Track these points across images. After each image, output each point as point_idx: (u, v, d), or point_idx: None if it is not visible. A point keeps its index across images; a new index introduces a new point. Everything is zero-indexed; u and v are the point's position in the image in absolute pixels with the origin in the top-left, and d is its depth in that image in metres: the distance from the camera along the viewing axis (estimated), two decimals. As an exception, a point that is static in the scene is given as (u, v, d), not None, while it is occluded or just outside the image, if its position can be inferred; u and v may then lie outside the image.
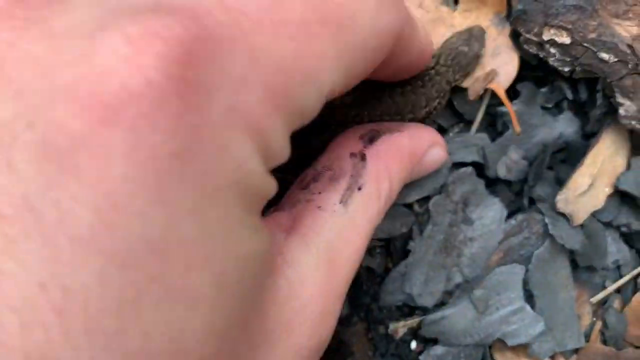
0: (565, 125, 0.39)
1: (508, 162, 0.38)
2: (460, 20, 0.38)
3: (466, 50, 0.35)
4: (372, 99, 0.33)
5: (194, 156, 0.17)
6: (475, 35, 0.36)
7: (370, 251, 0.39)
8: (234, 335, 0.19)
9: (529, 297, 0.39)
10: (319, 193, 0.28)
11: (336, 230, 0.26)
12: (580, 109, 0.40)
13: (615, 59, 0.35)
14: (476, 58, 0.36)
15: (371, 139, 0.30)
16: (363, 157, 0.29)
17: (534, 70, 0.39)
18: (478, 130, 0.39)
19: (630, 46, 0.35)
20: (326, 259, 0.25)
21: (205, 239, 0.17)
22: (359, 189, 0.28)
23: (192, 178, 0.17)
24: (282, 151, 0.20)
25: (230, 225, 0.18)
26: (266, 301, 0.22)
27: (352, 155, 0.29)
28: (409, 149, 0.31)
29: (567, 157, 0.40)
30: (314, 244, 0.25)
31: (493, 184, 0.39)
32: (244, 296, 0.19)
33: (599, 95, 0.38)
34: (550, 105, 0.40)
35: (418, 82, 0.34)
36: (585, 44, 0.35)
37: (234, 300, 0.19)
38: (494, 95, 0.38)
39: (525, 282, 0.38)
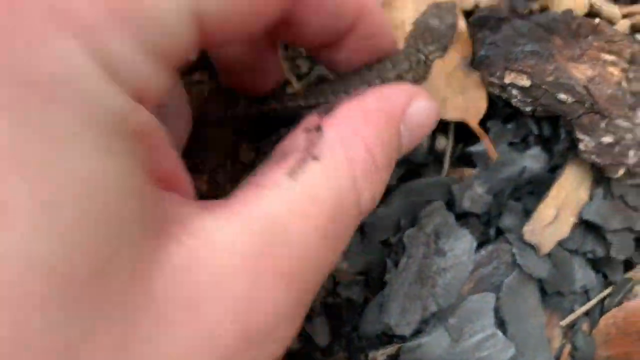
0: (531, 160, 0.42)
1: (473, 196, 0.40)
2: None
3: (437, 24, 0.33)
4: (337, 78, 0.31)
5: (5, 49, 0.16)
6: (444, 8, 0.34)
7: (349, 284, 0.41)
8: (80, 282, 0.16)
9: (501, 324, 0.41)
10: (263, 174, 0.24)
11: (281, 204, 0.22)
12: (545, 144, 0.42)
13: (573, 100, 0.38)
14: (451, 29, 0.34)
15: (328, 110, 0.27)
16: (319, 128, 0.25)
17: (502, 108, 0.42)
18: (450, 166, 0.42)
19: (585, 87, 0.38)
20: (262, 234, 0.21)
21: (20, 141, 0.15)
22: (315, 158, 0.24)
23: (3, 70, 0.16)
24: (143, 74, 0.19)
25: (60, 134, 0.16)
26: (150, 267, 0.18)
27: (307, 129, 0.26)
28: (379, 108, 0.26)
29: (534, 189, 0.42)
30: (239, 217, 0.21)
31: (463, 217, 0.42)
32: (88, 234, 0.16)
33: (561, 131, 0.41)
34: (517, 141, 0.42)
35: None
36: (544, 86, 0.38)
37: (69, 232, 0.16)
38: (460, 136, 0.41)
39: (496, 310, 0.41)
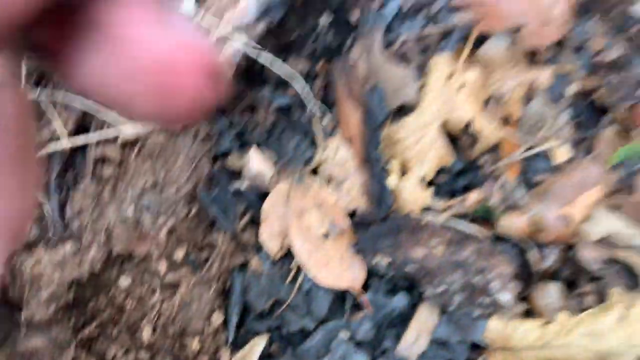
0: (399, 302, 0.65)
1: (364, 330, 0.63)
2: (331, 246, 0.64)
3: None
4: None
5: None
6: None
7: (288, 397, 0.62)
8: None
9: (389, 413, 0.63)
10: None
11: None
12: (408, 290, 0.66)
13: (414, 270, 0.62)
14: None
15: None
16: None
17: (377, 272, 0.66)
18: (349, 311, 0.65)
19: (420, 262, 0.62)
20: None
21: None
22: None
23: None
24: None
25: None
26: None
27: None
28: None
29: (403, 321, 0.66)
30: None
31: (359, 344, 0.64)
32: None
33: (416, 285, 0.65)
34: (389, 290, 0.66)
35: None
36: (398, 262, 0.62)
37: None
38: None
39: (385, 404, 0.63)
